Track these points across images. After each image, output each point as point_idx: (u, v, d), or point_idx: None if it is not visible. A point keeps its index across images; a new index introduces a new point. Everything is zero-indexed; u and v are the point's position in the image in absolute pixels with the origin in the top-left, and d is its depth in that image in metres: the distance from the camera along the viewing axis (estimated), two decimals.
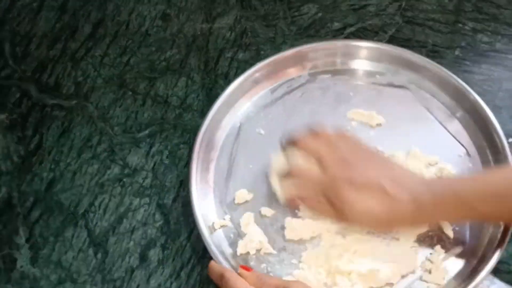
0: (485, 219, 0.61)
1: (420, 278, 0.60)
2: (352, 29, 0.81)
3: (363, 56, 0.75)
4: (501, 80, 0.75)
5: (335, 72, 0.75)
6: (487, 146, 0.67)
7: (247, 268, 0.58)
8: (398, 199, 0.57)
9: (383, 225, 0.61)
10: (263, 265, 0.61)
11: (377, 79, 0.74)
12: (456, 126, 0.70)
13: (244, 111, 0.72)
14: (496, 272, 0.61)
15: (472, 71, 0.76)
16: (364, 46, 0.75)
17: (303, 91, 0.74)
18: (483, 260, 0.60)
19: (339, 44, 0.76)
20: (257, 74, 0.73)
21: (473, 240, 0.62)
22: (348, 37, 0.80)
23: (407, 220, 0.59)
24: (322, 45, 0.75)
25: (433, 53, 0.78)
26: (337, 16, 0.82)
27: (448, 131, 0.70)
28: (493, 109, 0.71)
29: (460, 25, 0.80)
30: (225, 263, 0.60)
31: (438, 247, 0.61)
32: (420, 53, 0.77)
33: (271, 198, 0.65)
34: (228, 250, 0.62)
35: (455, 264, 0.61)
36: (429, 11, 0.82)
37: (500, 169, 0.64)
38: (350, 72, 0.75)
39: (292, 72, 0.75)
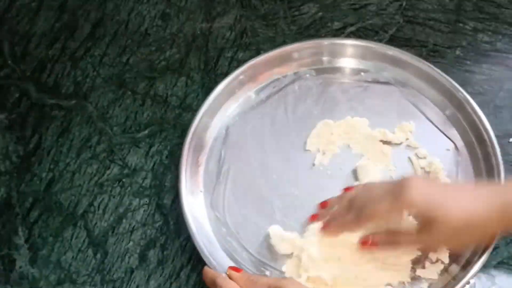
0: None
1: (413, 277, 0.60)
2: (352, 28, 0.80)
3: (349, 54, 0.75)
4: (502, 80, 0.75)
5: (320, 71, 0.75)
6: (475, 141, 0.68)
7: (237, 269, 0.58)
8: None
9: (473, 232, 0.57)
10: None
11: (362, 76, 0.74)
12: (443, 120, 0.70)
13: (231, 113, 0.72)
14: (496, 271, 0.61)
15: (473, 71, 0.76)
16: (349, 44, 0.75)
17: (288, 91, 0.73)
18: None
19: (324, 42, 0.75)
20: (241, 76, 0.73)
21: None
22: (348, 36, 0.79)
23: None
24: (306, 44, 0.75)
25: (434, 53, 0.77)
26: (338, 16, 0.82)
27: (435, 126, 0.70)
28: (494, 109, 0.71)
29: (460, 24, 0.80)
30: (218, 268, 0.60)
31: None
32: (421, 52, 0.77)
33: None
34: (222, 254, 0.62)
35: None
36: (429, 11, 0.82)
37: None
38: (335, 70, 0.75)
39: (277, 72, 0.74)
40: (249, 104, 0.73)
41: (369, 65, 0.74)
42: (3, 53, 0.80)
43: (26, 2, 0.85)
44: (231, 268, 0.58)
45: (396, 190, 0.56)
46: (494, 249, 0.63)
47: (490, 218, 0.55)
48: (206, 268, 0.59)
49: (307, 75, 0.74)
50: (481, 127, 0.67)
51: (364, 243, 0.59)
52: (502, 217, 0.54)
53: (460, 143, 0.68)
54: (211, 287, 0.57)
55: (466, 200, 0.56)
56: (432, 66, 0.71)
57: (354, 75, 0.74)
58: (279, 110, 0.72)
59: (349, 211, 0.60)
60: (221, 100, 0.72)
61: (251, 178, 0.68)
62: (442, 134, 0.69)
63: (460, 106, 0.69)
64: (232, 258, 0.62)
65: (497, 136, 0.67)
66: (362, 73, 0.74)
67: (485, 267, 0.61)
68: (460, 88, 0.69)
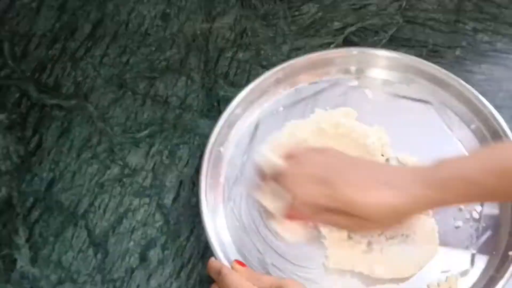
0: (495, 197, 0.60)
1: None
2: (352, 28, 0.80)
3: (382, 65, 0.73)
4: (502, 80, 0.75)
5: (356, 80, 0.73)
6: None
7: (242, 264, 0.58)
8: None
9: (401, 217, 0.59)
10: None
11: (393, 89, 0.73)
12: (470, 136, 0.69)
13: (263, 110, 0.72)
14: None
15: (472, 71, 0.76)
16: (384, 55, 0.73)
17: (322, 96, 0.72)
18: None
19: (367, 51, 0.74)
20: (275, 77, 0.72)
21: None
22: (348, 36, 0.79)
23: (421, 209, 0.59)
24: (351, 51, 0.74)
25: (434, 53, 0.77)
26: (337, 16, 0.82)
27: (462, 144, 0.69)
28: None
29: (460, 24, 0.80)
30: (224, 261, 0.60)
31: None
32: (421, 52, 0.77)
33: None
34: (231, 247, 0.63)
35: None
36: (429, 11, 0.82)
37: (499, 144, 0.64)
38: (371, 81, 0.73)
39: (310, 77, 0.73)
40: (282, 103, 0.72)
41: (400, 78, 0.73)
42: (3, 53, 0.80)
43: (26, 2, 0.85)
44: (237, 261, 0.58)
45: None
46: None
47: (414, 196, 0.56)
48: (212, 258, 0.59)
49: (345, 82, 0.73)
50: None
51: (290, 216, 0.62)
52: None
53: None
54: (215, 277, 0.57)
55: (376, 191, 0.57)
56: (463, 82, 0.70)
57: (386, 87, 0.73)
58: (305, 115, 0.71)
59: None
60: (251, 97, 0.71)
61: None
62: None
63: (486, 120, 0.68)
64: (240, 253, 0.62)
65: None
66: (394, 85, 0.73)
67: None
68: (486, 103, 0.68)
